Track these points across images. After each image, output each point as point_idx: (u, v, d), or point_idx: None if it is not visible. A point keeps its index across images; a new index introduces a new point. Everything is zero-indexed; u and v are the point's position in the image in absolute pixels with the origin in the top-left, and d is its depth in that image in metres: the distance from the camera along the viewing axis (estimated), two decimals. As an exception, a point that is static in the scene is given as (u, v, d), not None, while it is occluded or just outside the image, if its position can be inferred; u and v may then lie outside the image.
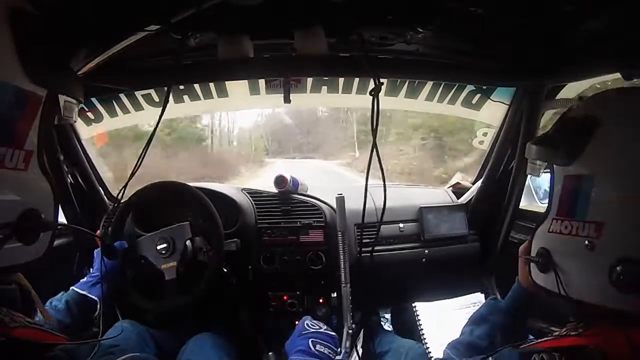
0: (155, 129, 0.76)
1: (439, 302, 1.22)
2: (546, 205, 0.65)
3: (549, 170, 0.66)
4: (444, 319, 1.18)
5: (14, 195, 0.49)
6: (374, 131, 0.75)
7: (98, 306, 0.98)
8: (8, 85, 0.46)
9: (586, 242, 0.54)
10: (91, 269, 1.07)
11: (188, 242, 1.12)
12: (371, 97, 0.75)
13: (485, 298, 1.23)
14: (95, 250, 1.10)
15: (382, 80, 1.30)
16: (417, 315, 1.18)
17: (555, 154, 0.61)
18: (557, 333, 0.58)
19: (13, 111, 0.48)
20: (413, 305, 1.22)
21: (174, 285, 1.09)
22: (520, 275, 0.75)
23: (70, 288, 1.00)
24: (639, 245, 0.50)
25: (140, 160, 0.75)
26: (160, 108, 1.41)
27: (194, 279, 1.11)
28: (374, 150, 0.73)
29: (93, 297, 0.98)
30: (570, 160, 0.59)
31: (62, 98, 0.60)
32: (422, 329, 1.15)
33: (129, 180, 0.79)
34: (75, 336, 0.81)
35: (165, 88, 0.75)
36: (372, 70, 0.77)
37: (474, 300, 1.20)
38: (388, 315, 1.64)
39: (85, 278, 1.03)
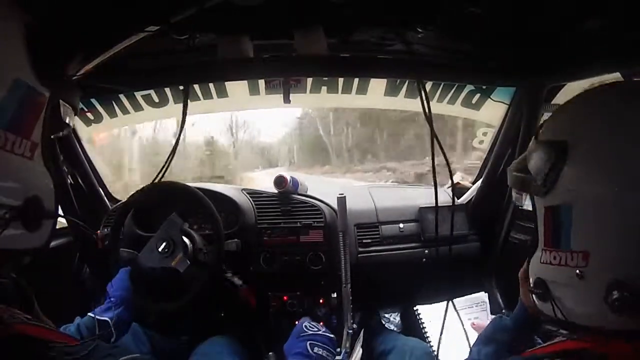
0: (180, 133, 0.77)
1: (442, 303, 1.21)
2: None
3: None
4: (448, 320, 1.17)
5: (21, 180, 0.53)
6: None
7: (112, 329, 0.99)
8: (21, 81, 0.53)
9: (577, 271, 0.53)
10: (108, 291, 1.08)
11: (185, 226, 1.13)
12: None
13: (489, 298, 1.22)
14: (121, 271, 1.12)
15: (380, 79, 1.31)
16: (421, 318, 1.17)
17: (533, 184, 0.60)
18: (558, 338, 0.58)
19: (23, 104, 0.53)
20: (415, 308, 1.21)
21: (154, 286, 1.10)
22: (522, 295, 0.75)
23: (87, 314, 1.01)
24: (627, 268, 0.50)
25: (167, 163, 0.76)
26: (160, 108, 1.42)
27: (194, 280, 1.11)
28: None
29: (106, 319, 1.00)
30: (546, 191, 0.57)
31: (62, 103, 0.66)
32: (426, 332, 1.14)
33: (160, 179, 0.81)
34: None
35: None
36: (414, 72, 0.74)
37: (477, 300, 1.19)
38: (388, 315, 1.64)
39: (104, 304, 1.05)
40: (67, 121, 0.69)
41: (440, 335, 0.90)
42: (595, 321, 0.53)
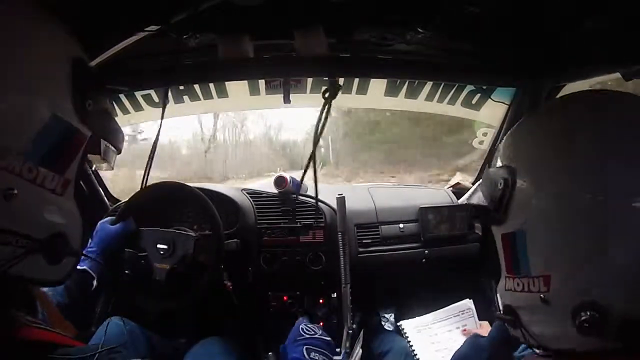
0: (158, 132, 0.77)
1: (426, 316, 1.20)
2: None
3: None
4: (433, 332, 1.16)
5: (48, 214, 0.54)
6: None
7: (94, 282, 0.98)
8: (62, 120, 0.54)
9: (540, 296, 0.52)
10: (90, 241, 1.07)
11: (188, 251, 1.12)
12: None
13: (480, 298, 1.21)
14: (100, 222, 1.11)
15: (381, 80, 1.31)
16: (406, 334, 1.16)
17: (487, 213, 0.60)
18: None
19: (62, 142, 0.55)
20: (398, 324, 1.20)
21: (160, 286, 1.09)
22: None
23: None
24: (590, 287, 0.48)
25: (149, 165, 0.76)
26: (160, 108, 1.42)
27: (194, 279, 1.11)
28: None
29: (90, 271, 0.98)
30: (499, 220, 0.58)
31: (103, 143, 0.67)
32: (411, 346, 1.13)
33: (142, 186, 0.82)
34: (75, 318, 0.84)
35: (167, 89, 0.75)
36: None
37: (463, 308, 1.18)
38: (388, 315, 1.64)
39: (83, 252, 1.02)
40: (108, 159, 0.70)
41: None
42: (565, 344, 0.52)
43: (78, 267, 0.98)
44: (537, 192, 0.53)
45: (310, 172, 0.64)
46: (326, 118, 0.63)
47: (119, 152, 0.72)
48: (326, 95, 0.64)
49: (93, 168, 0.81)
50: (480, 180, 0.64)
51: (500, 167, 0.59)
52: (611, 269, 0.48)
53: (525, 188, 0.54)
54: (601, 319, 0.47)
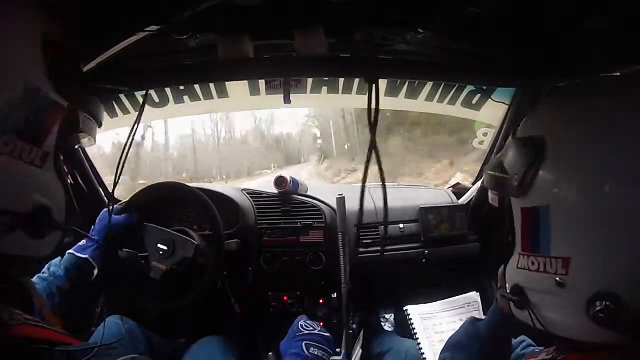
0: (133, 132, 0.77)
1: (432, 303, 1.20)
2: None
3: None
4: (438, 320, 1.17)
5: (28, 188, 0.53)
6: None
7: (95, 271, 1.00)
8: (36, 90, 0.52)
9: (556, 279, 0.50)
10: (92, 227, 1.08)
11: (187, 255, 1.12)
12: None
13: (481, 297, 1.22)
14: (104, 211, 1.11)
15: (381, 80, 1.31)
16: (410, 318, 1.17)
17: (508, 184, 0.56)
18: (540, 357, 0.55)
19: (37, 113, 0.53)
20: (404, 308, 1.21)
21: (156, 285, 1.09)
22: (499, 298, 0.71)
23: (67, 252, 1.01)
24: (612, 277, 0.46)
25: (121, 164, 0.76)
26: (160, 108, 1.43)
27: (193, 279, 1.11)
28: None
29: (86, 256, 0.99)
30: (522, 191, 0.54)
31: (81, 114, 0.66)
32: (415, 332, 1.14)
33: (114, 186, 0.83)
34: (74, 307, 0.86)
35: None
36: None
37: (469, 300, 1.19)
38: (388, 315, 1.64)
39: (83, 241, 1.04)
40: (88, 129, 0.68)
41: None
42: (574, 333, 0.50)
43: (80, 255, 0.99)
44: (570, 168, 0.50)
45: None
46: (377, 103, 0.62)
47: (99, 124, 0.71)
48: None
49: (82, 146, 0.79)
50: (502, 149, 0.61)
51: (529, 137, 0.55)
52: (636, 261, 0.45)
53: (557, 162, 0.51)
54: (616, 311, 0.45)
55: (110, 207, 1.12)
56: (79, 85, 0.63)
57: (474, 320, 0.78)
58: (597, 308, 0.46)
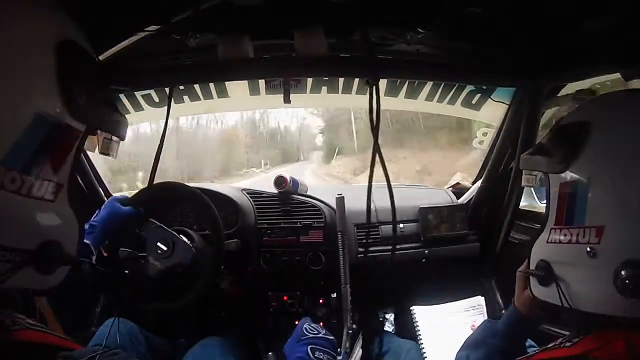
0: (164, 132, 0.76)
1: (437, 305, 1.21)
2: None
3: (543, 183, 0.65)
4: (443, 322, 1.17)
5: (37, 224, 0.48)
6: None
7: (94, 258, 0.98)
8: (47, 117, 0.45)
9: (587, 248, 0.52)
10: (97, 212, 1.06)
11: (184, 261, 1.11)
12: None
13: (488, 299, 1.22)
14: (111, 199, 1.10)
15: (381, 80, 1.31)
16: (415, 319, 1.17)
17: (550, 162, 0.60)
18: (551, 345, 0.57)
19: (49, 144, 0.46)
20: (411, 308, 1.21)
21: (152, 284, 1.09)
22: (517, 298, 0.74)
23: None
24: None
25: (156, 164, 0.75)
26: (160, 108, 1.43)
27: (193, 280, 1.11)
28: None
29: (86, 242, 0.97)
30: (565, 166, 0.58)
31: (101, 134, 0.59)
32: (419, 333, 1.14)
33: (150, 184, 0.79)
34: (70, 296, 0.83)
35: (166, 89, 0.75)
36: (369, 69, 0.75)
37: (474, 304, 1.19)
38: (388, 316, 1.64)
39: (85, 226, 1.01)
40: (108, 152, 0.62)
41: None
42: (601, 306, 0.51)
43: None
44: (614, 146, 0.54)
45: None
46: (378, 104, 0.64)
47: (122, 139, 0.64)
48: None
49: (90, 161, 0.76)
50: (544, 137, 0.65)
51: (574, 121, 0.59)
52: None
53: (602, 141, 0.55)
54: None
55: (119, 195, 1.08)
56: (100, 103, 0.56)
57: (491, 320, 0.81)
58: (624, 275, 0.48)
